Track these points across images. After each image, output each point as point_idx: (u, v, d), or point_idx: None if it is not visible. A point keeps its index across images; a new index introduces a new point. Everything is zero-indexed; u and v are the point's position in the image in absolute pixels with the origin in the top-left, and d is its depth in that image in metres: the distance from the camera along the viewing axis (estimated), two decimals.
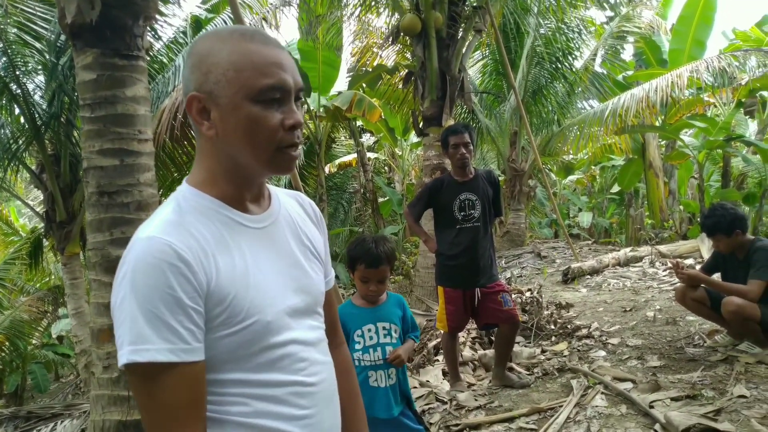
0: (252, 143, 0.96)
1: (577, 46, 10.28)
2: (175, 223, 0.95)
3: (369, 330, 2.37)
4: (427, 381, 4.15)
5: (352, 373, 1.32)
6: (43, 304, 10.99)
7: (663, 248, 8.03)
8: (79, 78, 2.54)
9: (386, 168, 17.37)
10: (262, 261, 1.02)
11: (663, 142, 12.77)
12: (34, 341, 11.38)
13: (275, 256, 1.05)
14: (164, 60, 7.56)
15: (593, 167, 17.75)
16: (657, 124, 11.41)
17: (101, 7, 2.42)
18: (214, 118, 0.96)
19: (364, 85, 10.57)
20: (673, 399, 3.10)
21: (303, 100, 1.00)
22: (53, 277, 12.10)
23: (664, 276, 6.70)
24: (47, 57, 6.26)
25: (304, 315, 1.08)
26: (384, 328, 2.39)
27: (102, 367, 2.60)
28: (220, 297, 0.93)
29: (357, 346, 2.36)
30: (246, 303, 0.96)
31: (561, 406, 3.26)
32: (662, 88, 8.25)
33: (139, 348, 0.86)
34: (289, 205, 1.16)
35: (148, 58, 7.13)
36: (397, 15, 7.14)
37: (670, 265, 3.95)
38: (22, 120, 6.80)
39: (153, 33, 6.62)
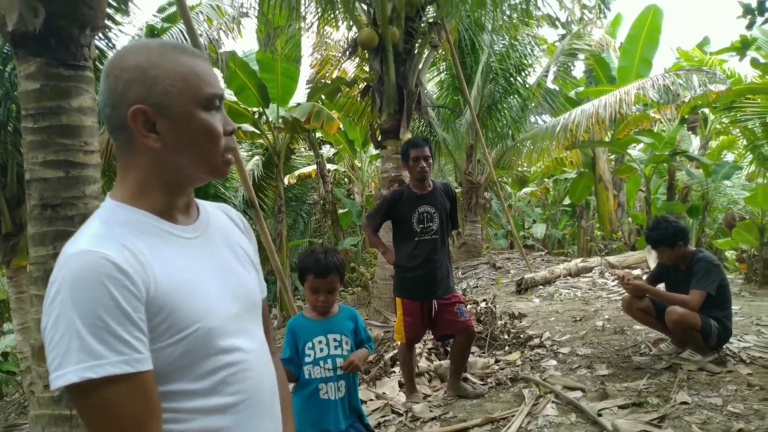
0: (204, 150, 0.99)
1: (530, 62, 10.55)
2: (105, 236, 0.93)
3: (320, 342, 2.35)
4: (384, 393, 4.15)
5: (285, 383, 1.31)
6: None
7: (612, 259, 8.26)
8: (21, 87, 2.45)
9: (346, 179, 17.37)
10: (199, 269, 1.02)
11: (612, 156, 13.19)
12: None
13: (211, 264, 1.06)
14: None
15: (546, 180, 18.16)
16: (606, 139, 11.77)
17: (45, 15, 2.36)
18: (163, 130, 0.97)
19: (323, 97, 10.57)
20: (620, 407, 3.18)
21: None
22: None
23: (612, 286, 6.89)
24: None
25: (246, 321, 1.09)
26: (335, 340, 2.37)
27: (42, 386, 2.50)
28: (159, 307, 0.92)
29: (307, 359, 2.34)
30: (188, 310, 0.95)
31: (513, 416, 3.30)
32: (611, 104, 8.48)
33: (91, 364, 0.83)
34: (217, 216, 1.18)
35: (102, 67, 7.00)
36: (355, 29, 7.19)
37: (617, 276, 4.08)
38: None
39: (107, 42, 6.48)
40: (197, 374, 0.97)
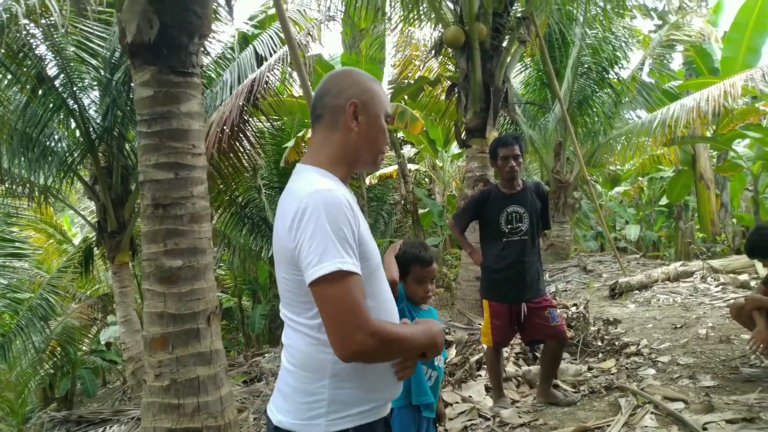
0: (376, 144, 1.47)
1: (623, 55, 10.07)
2: (334, 185, 1.36)
3: None
4: (470, 396, 4.11)
5: None
6: (93, 312, 11.30)
7: (715, 263, 7.73)
8: (136, 94, 2.63)
9: (426, 179, 17.31)
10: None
11: (714, 153, 12.36)
12: (83, 347, 11.72)
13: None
14: (212, 75, 7.76)
15: (641, 179, 17.27)
16: (708, 134, 11.05)
17: (159, 26, 2.51)
18: (362, 121, 1.43)
19: (405, 97, 10.59)
20: (728, 421, 2.99)
21: None
22: (103, 284, 12.48)
23: (716, 292, 6.45)
24: (102, 73, 6.50)
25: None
26: None
27: (154, 375, 2.66)
28: (360, 240, 1.33)
29: None
30: (370, 248, 1.38)
31: (608, 426, 3.19)
32: (714, 97, 8.01)
33: (343, 261, 1.24)
34: None
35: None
36: (440, 27, 7.16)
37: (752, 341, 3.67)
38: (77, 134, 7.06)
39: (203, 49, 6.82)
40: (370, 293, 1.36)
